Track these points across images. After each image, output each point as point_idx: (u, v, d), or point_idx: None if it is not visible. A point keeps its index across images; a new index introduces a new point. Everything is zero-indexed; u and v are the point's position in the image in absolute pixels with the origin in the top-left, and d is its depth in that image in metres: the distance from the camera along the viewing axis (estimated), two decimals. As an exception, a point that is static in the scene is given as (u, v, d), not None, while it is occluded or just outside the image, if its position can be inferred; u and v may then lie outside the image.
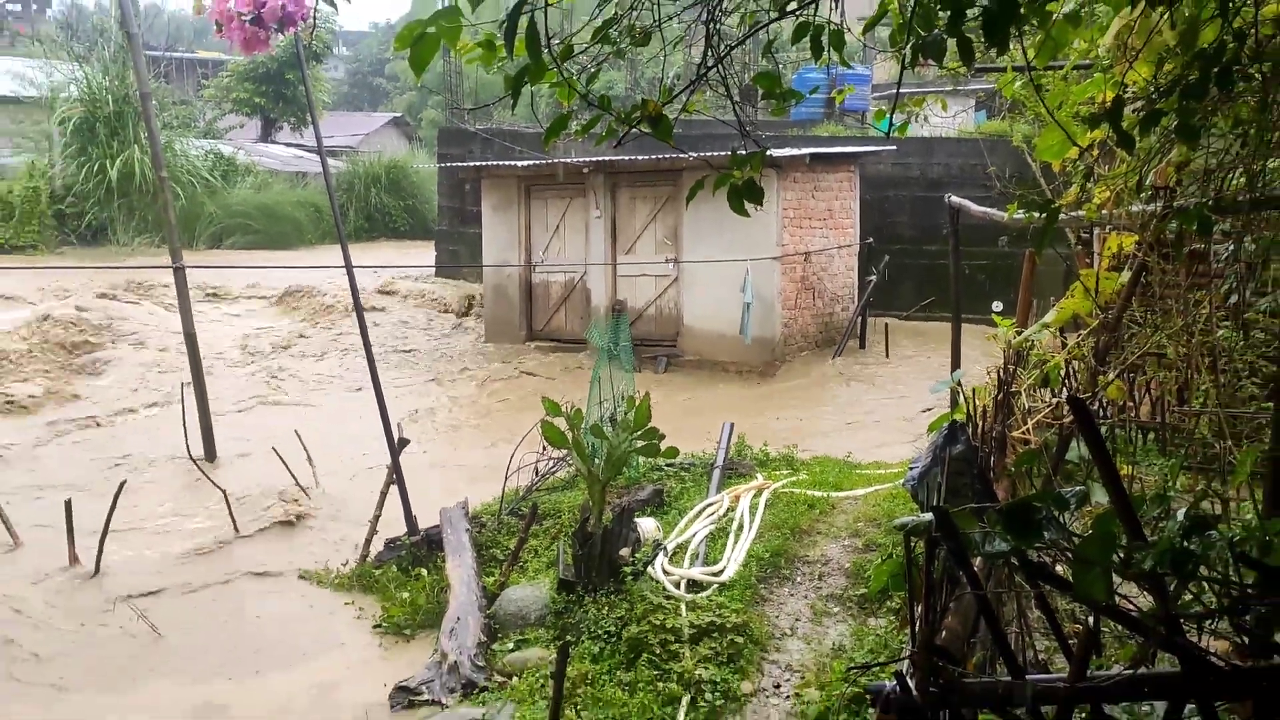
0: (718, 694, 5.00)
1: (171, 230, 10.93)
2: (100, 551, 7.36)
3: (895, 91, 3.49)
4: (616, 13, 2.96)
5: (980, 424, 4.92)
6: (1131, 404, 5.54)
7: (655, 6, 3.03)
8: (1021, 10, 2.54)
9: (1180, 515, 2.04)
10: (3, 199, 24.20)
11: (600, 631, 5.67)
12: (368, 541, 7.57)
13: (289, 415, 12.08)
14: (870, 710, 4.31)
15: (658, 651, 5.28)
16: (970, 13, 2.52)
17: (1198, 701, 2.13)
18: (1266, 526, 2.14)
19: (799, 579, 6.15)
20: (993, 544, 2.11)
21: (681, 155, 13.27)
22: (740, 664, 5.22)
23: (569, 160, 15.90)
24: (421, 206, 30.54)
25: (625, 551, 6.24)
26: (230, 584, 7.42)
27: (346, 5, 3.49)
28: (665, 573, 6.08)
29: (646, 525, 6.81)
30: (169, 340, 14.75)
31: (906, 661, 2.42)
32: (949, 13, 2.51)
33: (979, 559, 2.52)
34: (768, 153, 3.14)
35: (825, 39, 2.94)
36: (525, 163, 16.67)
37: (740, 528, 6.68)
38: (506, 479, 7.97)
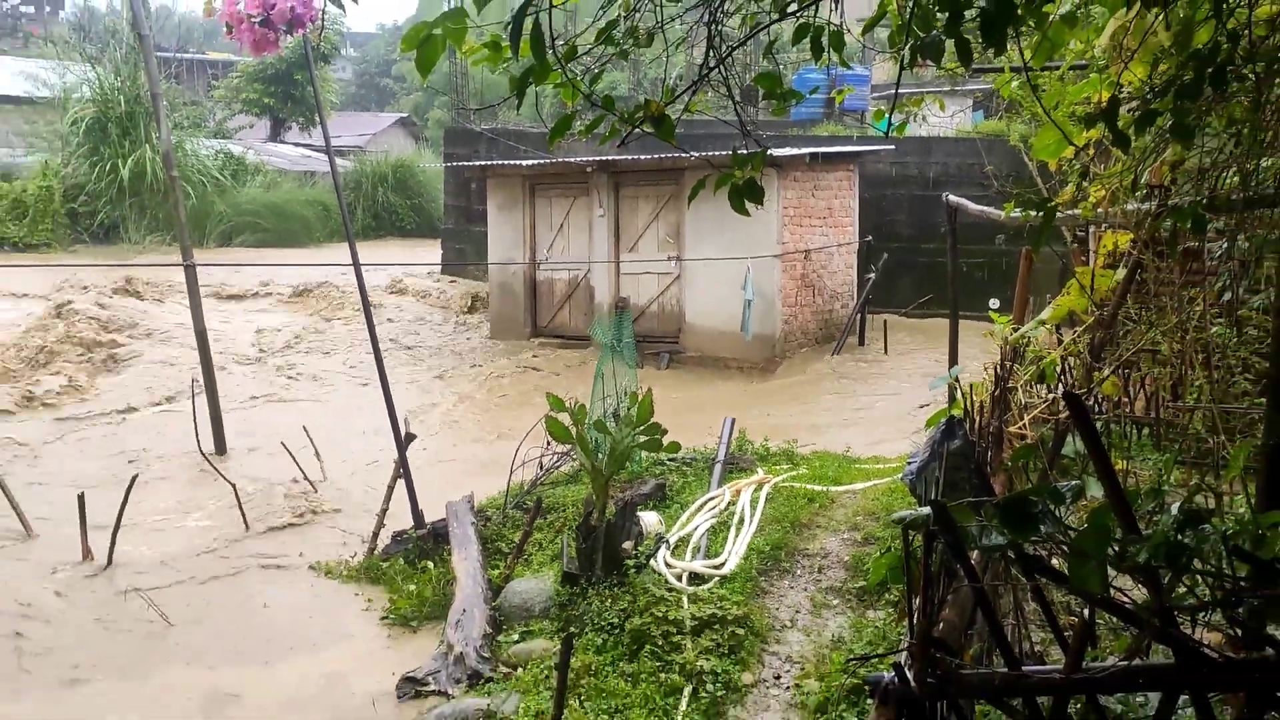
0: (719, 685, 5.03)
1: (182, 229, 11.02)
2: (113, 545, 7.45)
3: (894, 92, 3.52)
4: (620, 14, 3.00)
5: (978, 419, 4.96)
6: (1127, 399, 5.60)
7: (658, 8, 3.07)
8: (1018, 11, 2.55)
9: (1174, 509, 2.06)
10: (17, 198, 24.35)
11: (604, 623, 5.72)
12: (375, 534, 7.65)
13: (298, 411, 12.17)
14: (869, 701, 4.33)
15: (660, 643, 5.33)
16: (968, 14, 2.55)
17: (1191, 693, 2.16)
18: (1259, 520, 2.15)
19: (799, 572, 6.21)
20: (990, 537, 2.13)
21: (684, 155, 13.32)
22: (741, 655, 5.26)
23: (573, 159, 15.97)
24: (428, 205, 30.60)
25: (628, 545, 6.30)
26: (240, 576, 7.50)
27: (354, 7, 3.54)
28: (667, 565, 6.14)
29: (649, 519, 6.87)
30: (187, 337, 14.84)
31: (905, 653, 2.44)
32: (947, 14, 2.54)
33: (976, 552, 2.54)
34: (768, 152, 3.18)
35: (825, 40, 2.96)
36: (530, 162, 16.75)
37: (741, 521, 6.74)
38: (511, 473, 8.04)
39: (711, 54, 3.00)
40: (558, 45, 2.66)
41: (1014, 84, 4.87)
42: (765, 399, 12.91)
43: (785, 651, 5.40)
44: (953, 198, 8.38)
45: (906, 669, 2.30)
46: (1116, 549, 2.03)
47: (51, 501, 8.75)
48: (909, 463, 4.55)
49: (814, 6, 2.94)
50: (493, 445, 10.59)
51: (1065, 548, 2.08)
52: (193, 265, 10.65)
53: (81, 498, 7.66)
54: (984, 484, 4.23)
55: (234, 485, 8.42)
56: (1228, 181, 3.74)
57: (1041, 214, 3.20)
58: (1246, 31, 2.85)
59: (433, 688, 5.68)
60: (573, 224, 16.26)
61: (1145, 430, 5.75)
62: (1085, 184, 4.57)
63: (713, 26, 3.02)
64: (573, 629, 5.75)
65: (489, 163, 17.89)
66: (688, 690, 5.01)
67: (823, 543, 6.53)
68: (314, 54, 9.46)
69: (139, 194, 25.30)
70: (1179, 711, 2.37)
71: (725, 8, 3.12)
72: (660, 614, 5.50)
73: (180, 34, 52.00)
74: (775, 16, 3.04)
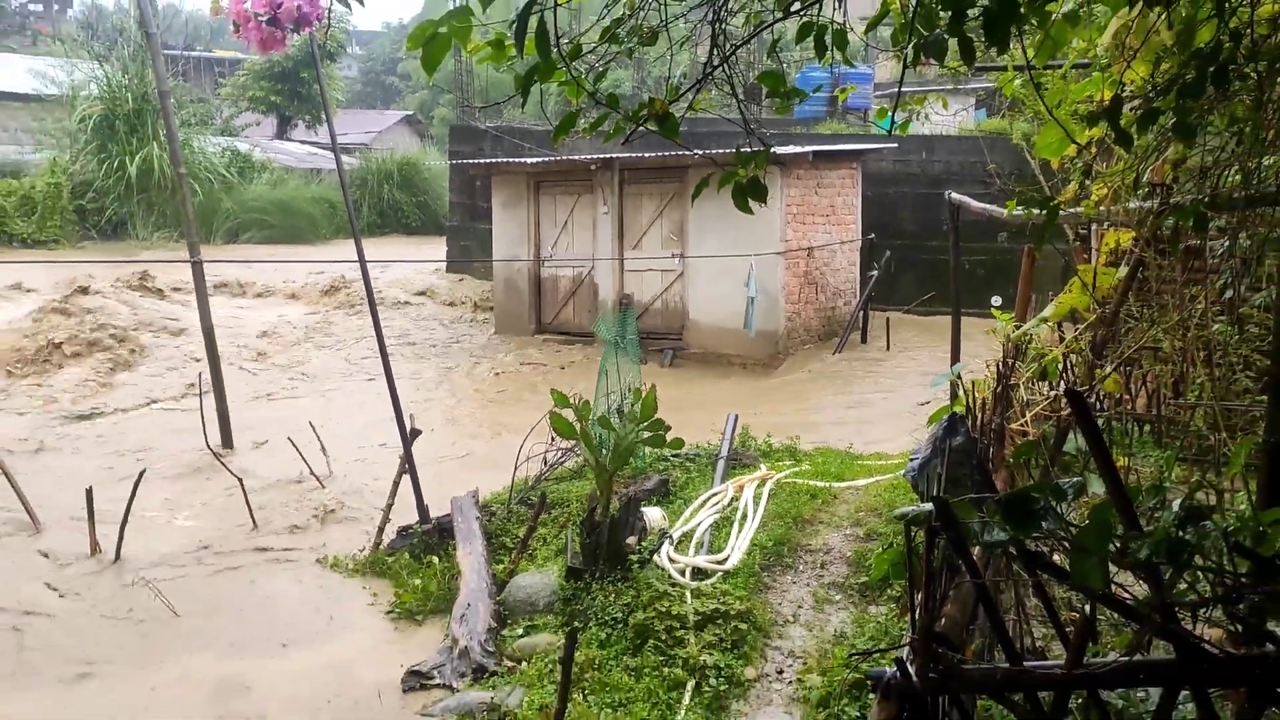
0: (722, 679, 5.07)
1: (189, 225, 11.07)
2: (120, 539, 7.50)
3: (897, 90, 3.53)
4: (624, 13, 3.02)
5: (979, 416, 4.98)
6: (1128, 397, 5.61)
7: (662, 7, 3.08)
8: (1021, 10, 2.57)
9: (1175, 506, 2.06)
10: (25, 194, 24.45)
11: (607, 618, 5.75)
12: (381, 529, 7.69)
13: (304, 406, 12.22)
14: (871, 695, 4.37)
15: (663, 637, 5.36)
16: (971, 12, 2.56)
17: (1192, 688, 2.16)
18: (1260, 517, 2.15)
19: (801, 567, 6.24)
20: (991, 533, 2.14)
21: (687, 153, 13.39)
22: (744, 650, 5.29)
23: (577, 157, 16.00)
24: (433, 202, 30.65)
25: (632, 540, 6.33)
26: (246, 569, 7.54)
27: (360, 6, 3.57)
28: (671, 561, 6.17)
29: (652, 514, 6.90)
30: (197, 334, 14.90)
31: (907, 648, 2.46)
32: (950, 12, 2.55)
33: (978, 548, 2.51)
34: (771, 150, 3.20)
35: (828, 38, 2.97)
36: (534, 160, 16.79)
37: (744, 517, 6.76)
38: (516, 469, 8.07)
39: (715, 52, 3.02)
40: (562, 43, 2.67)
41: (1017, 82, 4.88)
42: (768, 396, 12.93)
43: (788, 646, 5.43)
44: (955, 195, 8.39)
45: (908, 664, 2.31)
46: (1118, 545, 2.04)
47: (59, 496, 8.81)
48: (911, 459, 4.57)
49: (817, 5, 2.95)
50: (497, 441, 10.63)
51: (1067, 544, 2.08)
52: (199, 262, 10.69)
53: (89, 492, 7.71)
54: (986, 480, 4.25)
55: (240, 480, 8.47)
56: (1229, 180, 3.75)
57: (1044, 212, 3.22)
58: (1249, 30, 2.85)
59: (437, 681, 5.72)
60: (577, 221, 16.29)
61: (1147, 427, 5.76)
62: (1087, 182, 4.58)
63: (716, 25, 3.03)
64: (577, 623, 5.79)
65: (494, 160, 17.93)
66: (691, 684, 5.04)
67: (825, 538, 6.56)
68: (320, 52, 9.49)
69: (146, 191, 25.38)
70: (1179, 707, 2.38)
71: (729, 6, 3.13)
72: (664, 609, 5.53)
73: (187, 32, 52.14)
74: (779, 15, 3.06)
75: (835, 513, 6.97)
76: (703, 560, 6.19)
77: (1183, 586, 2.17)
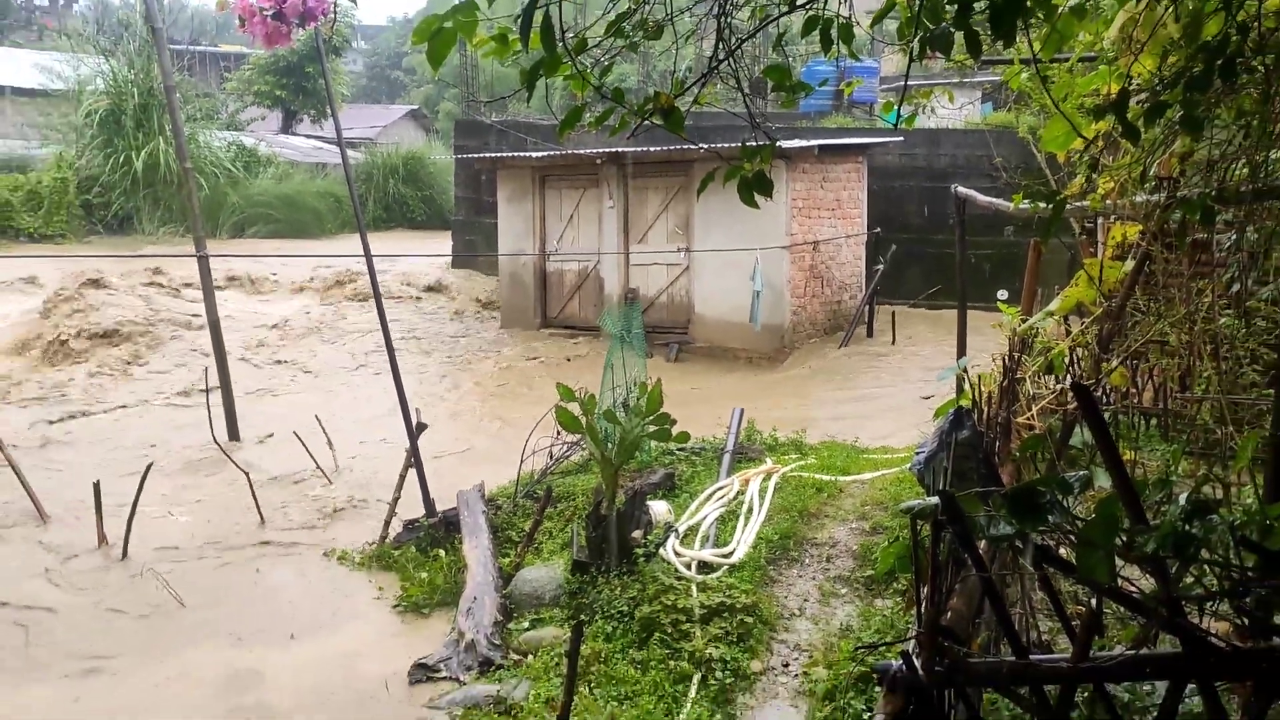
0: (728, 672, 5.08)
1: (195, 220, 11.10)
2: (128, 531, 7.53)
3: (903, 84, 3.53)
4: (629, 6, 3.02)
5: (986, 410, 4.98)
6: (1134, 390, 5.61)
7: (667, 0, 3.09)
8: (1027, 3, 2.56)
9: (1182, 499, 2.06)
10: (32, 189, 24.52)
11: (613, 611, 5.77)
12: (387, 523, 7.71)
13: (310, 400, 12.26)
14: (877, 689, 4.38)
15: (669, 631, 5.38)
16: (977, 6, 2.55)
17: (1198, 682, 2.17)
18: (1267, 511, 2.15)
19: (807, 561, 6.24)
20: (998, 527, 2.13)
21: (693, 147, 13.25)
22: (750, 643, 5.30)
23: (583, 151, 15.99)
24: (438, 197, 30.63)
25: (637, 534, 6.34)
26: (253, 562, 7.58)
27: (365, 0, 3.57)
28: (676, 554, 6.18)
29: (658, 508, 6.91)
30: (204, 329, 14.94)
31: (913, 641, 2.48)
32: (956, 6, 2.55)
33: (984, 542, 2.53)
34: (777, 144, 3.20)
35: (834, 32, 2.98)
36: (540, 154, 16.78)
37: (750, 511, 6.78)
38: (522, 462, 8.08)
39: (721, 46, 3.02)
40: (567, 38, 2.67)
41: (1023, 76, 4.86)
42: (774, 389, 12.93)
43: (794, 640, 5.44)
44: (961, 189, 8.37)
45: (914, 657, 2.31)
46: (1124, 539, 2.03)
47: (66, 490, 8.85)
48: (917, 453, 4.56)
49: (823, -1, 2.96)
50: (502, 435, 10.65)
51: (1073, 538, 2.08)
52: (205, 256, 10.71)
53: (97, 485, 7.75)
54: (992, 474, 4.24)
55: (247, 474, 8.50)
56: (1237, 173, 3.74)
57: (1050, 205, 3.22)
58: (1256, 24, 2.84)
59: (444, 674, 5.74)
60: (582, 215, 16.29)
61: (1153, 421, 5.75)
62: (1094, 176, 4.57)
63: (722, 19, 3.03)
64: (583, 617, 5.80)
65: (499, 154, 17.93)
66: (697, 678, 5.05)
67: (831, 532, 6.57)
68: (325, 47, 9.50)
69: (153, 185, 25.42)
70: (1186, 700, 2.39)
71: (735, 0, 3.14)
72: (669, 602, 5.55)
73: (193, 27, 52.16)
74: (784, 9, 3.06)
75: (841, 506, 6.98)
76: (708, 554, 6.20)
77: (1189, 580, 2.17)
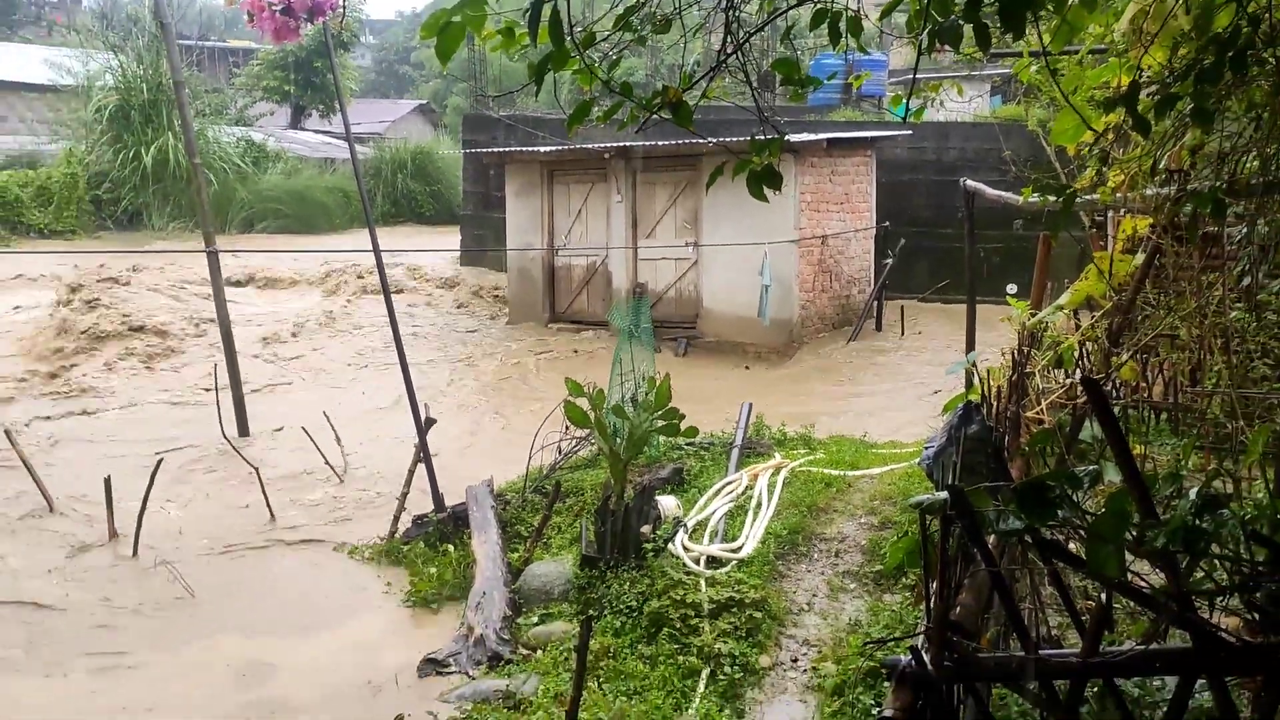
0: (736, 667, 5.08)
1: (205, 215, 11.13)
2: (139, 527, 7.57)
3: (912, 77, 3.52)
4: (637, 0, 3.01)
5: (995, 404, 4.97)
6: (1145, 385, 5.58)
7: (676, -6, 3.08)
8: (1036, -4, 2.57)
9: (1192, 494, 2.06)
10: (42, 185, 24.65)
11: (622, 606, 5.77)
12: (396, 518, 7.73)
13: (319, 395, 12.30)
14: (886, 684, 4.38)
15: (678, 626, 5.38)
16: (986, -2, 2.57)
17: (1209, 677, 2.17)
18: (1277, 505, 2.16)
19: (816, 556, 6.24)
20: (1007, 522, 2.14)
21: (701, 141, 13.33)
22: (758, 638, 5.30)
23: (591, 146, 15.98)
24: (447, 192, 30.66)
25: (646, 528, 6.35)
26: (264, 556, 7.63)
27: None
28: (685, 549, 6.18)
29: (667, 503, 6.91)
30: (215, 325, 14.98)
31: (922, 636, 2.47)
32: (965, -1, 2.53)
33: (993, 536, 2.53)
34: (786, 138, 3.19)
35: (843, 25, 2.97)
36: (548, 148, 16.77)
37: (758, 505, 6.77)
38: (530, 457, 8.09)
39: (729, 40, 3.01)
40: (576, 31, 2.66)
41: (1033, 68, 4.84)
42: (782, 384, 12.92)
43: (802, 635, 5.44)
44: (970, 183, 8.36)
45: (923, 652, 2.32)
46: (1134, 533, 2.03)
47: (77, 483, 8.90)
48: (926, 448, 4.55)
49: (831, -9, 2.94)
50: (511, 430, 10.67)
51: (1083, 532, 2.07)
52: (215, 252, 10.74)
53: (108, 480, 7.80)
54: (1001, 469, 4.23)
55: (257, 470, 8.53)
56: (1248, 166, 3.72)
57: (1060, 199, 3.20)
58: (1267, 15, 2.83)
59: (453, 669, 5.76)
60: (590, 210, 16.28)
61: (1163, 415, 5.73)
62: (1104, 169, 4.54)
63: (730, 12, 3.03)
64: (592, 612, 5.80)
65: (507, 149, 17.94)
66: (705, 672, 5.05)
67: (840, 527, 6.56)
68: (334, 41, 9.51)
69: (162, 181, 25.52)
70: (1196, 695, 2.38)
71: (743, -7, 3.13)
72: (678, 597, 5.55)
73: (202, 22, 52.23)
74: (793, 2, 3.05)
75: (850, 501, 6.97)
76: (717, 549, 6.20)
77: (1199, 575, 2.18)
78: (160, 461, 8.00)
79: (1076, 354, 4.91)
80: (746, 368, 13.93)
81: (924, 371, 12.83)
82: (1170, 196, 3.98)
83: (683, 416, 6.49)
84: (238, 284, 18.44)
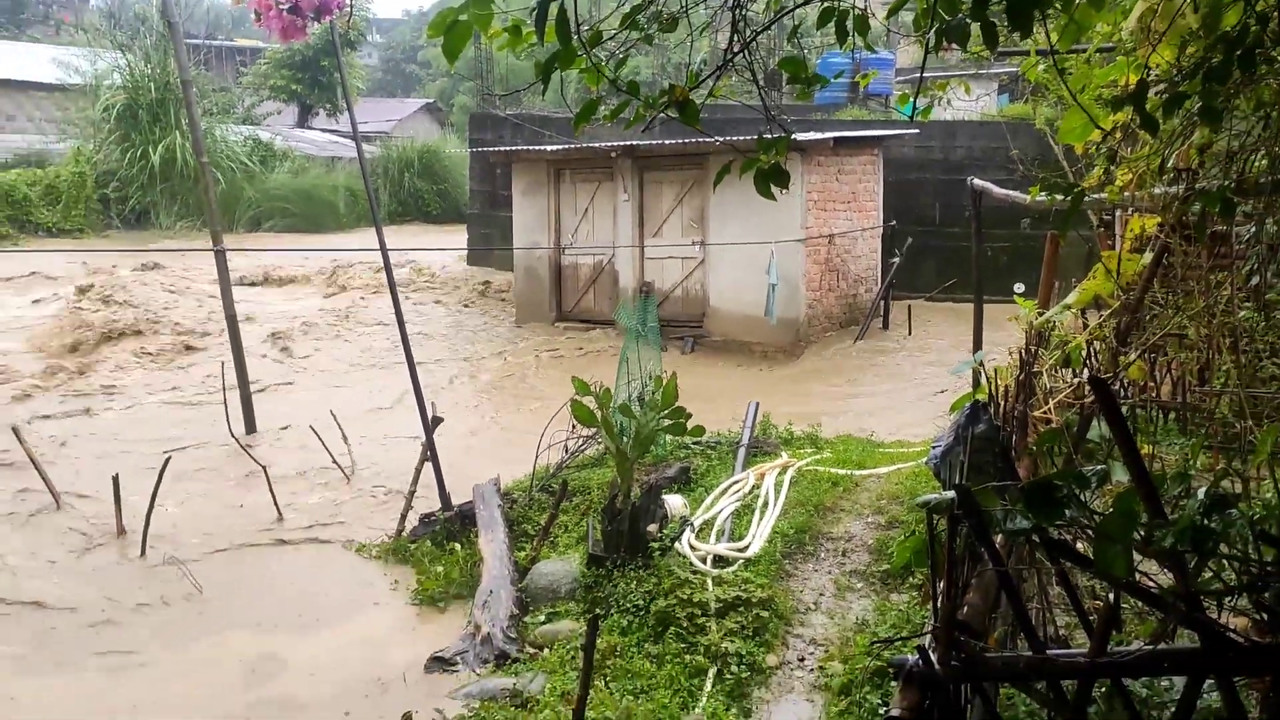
0: (743, 666, 5.07)
1: (212, 214, 11.15)
2: (147, 525, 7.59)
3: (919, 75, 3.52)
4: (644, -1, 3.01)
5: (1002, 404, 4.96)
6: (1152, 384, 5.57)
7: (682, -8, 3.08)
8: (1044, -6, 2.57)
9: (1201, 494, 2.05)
10: (50, 184, 24.76)
11: (629, 605, 5.77)
12: (403, 516, 7.74)
13: (326, 394, 12.32)
14: (893, 683, 4.37)
15: (685, 625, 5.38)
16: (993, -4, 2.56)
17: (1217, 677, 2.16)
18: None
19: (823, 555, 6.23)
20: (1014, 521, 2.13)
21: (708, 139, 13.33)
22: (765, 637, 5.30)
23: (597, 145, 15.98)
24: (453, 190, 30.70)
25: (653, 527, 6.35)
26: (272, 554, 7.64)
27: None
28: (692, 548, 6.18)
29: (674, 502, 6.91)
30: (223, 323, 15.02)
31: (929, 636, 2.47)
32: (972, -3, 2.53)
33: (1000, 536, 2.52)
34: (793, 136, 3.19)
35: (850, 24, 2.97)
36: (555, 147, 16.77)
37: (765, 505, 6.76)
38: (537, 456, 8.10)
39: (736, 38, 3.01)
40: (582, 30, 2.66)
41: (1040, 67, 4.84)
42: (789, 383, 12.91)
43: (809, 634, 5.43)
44: (978, 181, 8.32)
45: (931, 652, 2.31)
46: (1142, 533, 2.02)
47: (85, 481, 8.93)
48: (933, 447, 4.54)
49: (838, -10, 2.94)
50: (518, 428, 10.67)
51: (1090, 532, 2.07)
52: (222, 250, 10.77)
53: (116, 478, 7.83)
54: (1009, 468, 4.22)
55: (265, 468, 8.55)
56: (1256, 165, 3.71)
57: (1068, 198, 3.19)
58: (1276, 14, 2.82)
59: (460, 667, 5.77)
60: (597, 209, 16.28)
61: (1171, 415, 5.72)
62: (1112, 167, 4.54)
63: (737, 11, 3.03)
64: (598, 610, 5.80)
65: (514, 148, 17.95)
66: (712, 671, 5.05)
67: (847, 526, 6.55)
68: (341, 40, 9.52)
69: (169, 180, 25.62)
70: (1204, 696, 2.37)
71: (750, -8, 3.13)
72: (685, 596, 5.54)
73: (209, 21, 52.31)
74: (800, 1, 3.04)
75: (857, 500, 6.96)
76: (724, 548, 6.20)
77: (1208, 575, 2.17)
78: (168, 459, 8.02)
79: (1084, 353, 4.90)
80: (770, 369, 13.90)
81: (931, 371, 12.81)
82: (1178, 195, 3.97)
83: (689, 415, 6.49)
84: (252, 284, 18.54)
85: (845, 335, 15.30)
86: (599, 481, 7.77)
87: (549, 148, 16.84)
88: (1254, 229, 4.32)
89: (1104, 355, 4.99)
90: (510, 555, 6.77)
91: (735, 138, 12.24)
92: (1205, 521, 1.99)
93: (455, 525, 7.54)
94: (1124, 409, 4.97)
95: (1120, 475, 2.35)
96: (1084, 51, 4.21)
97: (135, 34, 28.59)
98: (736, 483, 7.25)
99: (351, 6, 4.09)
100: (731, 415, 9.03)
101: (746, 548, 6.18)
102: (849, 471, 7.50)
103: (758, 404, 8.80)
